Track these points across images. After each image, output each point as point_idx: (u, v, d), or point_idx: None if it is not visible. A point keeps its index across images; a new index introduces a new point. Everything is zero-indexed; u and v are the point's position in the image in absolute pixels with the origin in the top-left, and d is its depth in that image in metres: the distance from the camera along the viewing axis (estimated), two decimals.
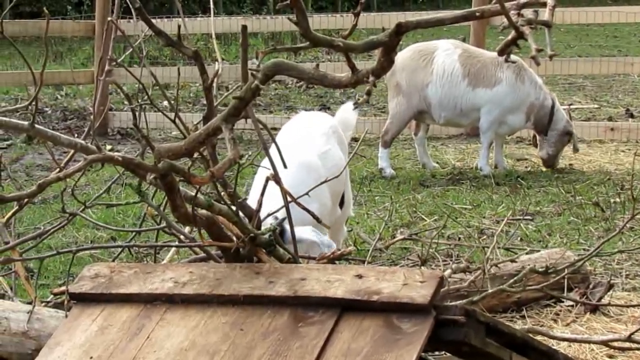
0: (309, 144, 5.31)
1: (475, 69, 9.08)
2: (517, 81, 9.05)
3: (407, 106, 9.23)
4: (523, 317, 5.11)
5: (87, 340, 3.11)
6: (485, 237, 6.77)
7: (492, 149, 9.34)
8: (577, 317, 5.06)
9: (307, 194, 3.85)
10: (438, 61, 9.14)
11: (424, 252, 5.71)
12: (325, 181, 4.12)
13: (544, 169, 9.29)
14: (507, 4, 3.09)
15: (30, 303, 4.01)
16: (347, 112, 6.15)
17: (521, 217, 7.27)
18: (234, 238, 3.40)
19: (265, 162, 3.70)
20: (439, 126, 10.17)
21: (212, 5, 4.64)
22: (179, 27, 3.40)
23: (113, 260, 4.92)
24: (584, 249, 6.28)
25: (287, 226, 3.65)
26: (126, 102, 11.55)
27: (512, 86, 9.05)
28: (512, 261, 5.17)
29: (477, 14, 3.35)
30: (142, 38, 4.17)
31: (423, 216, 7.36)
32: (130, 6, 3.38)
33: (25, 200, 3.24)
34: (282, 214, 3.69)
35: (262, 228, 3.50)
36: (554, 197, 8.03)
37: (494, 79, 9.05)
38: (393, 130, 9.34)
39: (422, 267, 4.97)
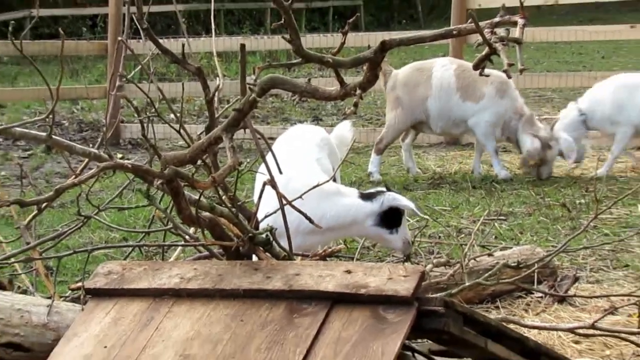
0: (302, 152, 5.33)
1: (466, 83, 9.03)
2: (497, 97, 9.00)
3: (405, 118, 9.16)
4: (497, 307, 5.11)
5: (102, 331, 3.10)
6: (463, 235, 6.77)
7: (474, 155, 9.33)
8: (546, 307, 5.07)
9: (299, 197, 3.83)
10: (436, 75, 9.08)
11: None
12: (316, 186, 4.11)
13: (516, 173, 9.28)
14: (482, 23, 3.09)
15: (49, 298, 4.00)
16: (343, 129, 6.16)
17: (496, 217, 7.27)
18: (234, 238, 3.40)
19: (263, 168, 3.69)
20: (421, 135, 10.16)
21: (213, 26, 4.64)
22: (184, 46, 3.40)
23: (125, 259, 4.91)
24: (552, 246, 6.28)
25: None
26: (136, 115, 11.55)
27: (492, 101, 8.99)
28: (489, 255, 5.17)
29: (454, 32, 3.36)
30: (150, 56, 4.17)
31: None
32: (139, 27, 3.38)
33: (44, 204, 3.22)
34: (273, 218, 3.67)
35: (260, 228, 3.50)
36: (525, 199, 8.04)
37: (479, 94, 9.01)
38: (388, 139, 9.31)
39: (406, 263, 4.97)
